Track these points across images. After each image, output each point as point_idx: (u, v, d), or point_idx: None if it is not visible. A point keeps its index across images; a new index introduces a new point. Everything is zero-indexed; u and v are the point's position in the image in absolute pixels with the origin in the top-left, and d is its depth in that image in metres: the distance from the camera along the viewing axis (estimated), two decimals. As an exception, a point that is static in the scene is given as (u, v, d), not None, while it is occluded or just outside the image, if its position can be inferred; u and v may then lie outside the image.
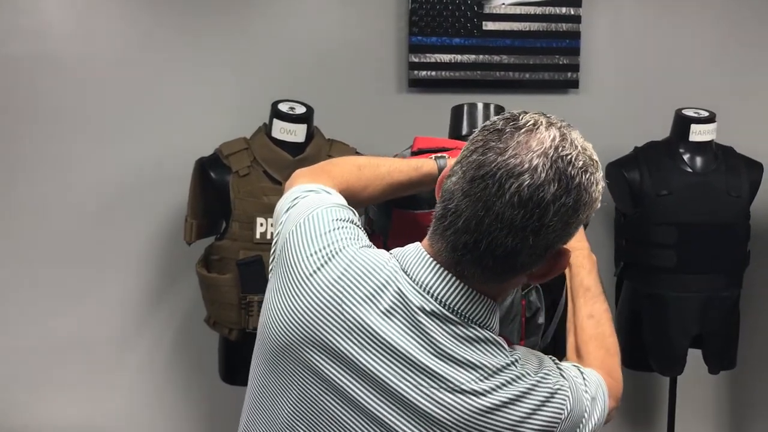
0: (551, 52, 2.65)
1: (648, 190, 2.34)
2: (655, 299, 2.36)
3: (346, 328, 0.99)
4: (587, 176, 0.94)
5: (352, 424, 0.99)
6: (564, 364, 1.10)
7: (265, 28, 2.56)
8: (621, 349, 2.53)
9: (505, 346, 1.01)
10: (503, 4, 2.60)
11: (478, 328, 0.99)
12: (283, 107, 2.20)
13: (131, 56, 2.50)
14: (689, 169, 2.34)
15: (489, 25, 2.61)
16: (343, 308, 0.99)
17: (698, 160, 2.36)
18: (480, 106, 1.68)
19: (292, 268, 1.04)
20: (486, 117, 1.67)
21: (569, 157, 0.94)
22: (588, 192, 0.95)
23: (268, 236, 2.14)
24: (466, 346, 0.98)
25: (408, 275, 1.00)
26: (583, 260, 1.37)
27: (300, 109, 2.21)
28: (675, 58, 2.75)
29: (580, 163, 0.94)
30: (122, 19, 2.50)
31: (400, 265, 1.02)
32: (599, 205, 0.99)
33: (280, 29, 2.57)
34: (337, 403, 1.00)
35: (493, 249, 0.94)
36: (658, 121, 2.51)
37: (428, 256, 1.00)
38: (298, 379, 1.02)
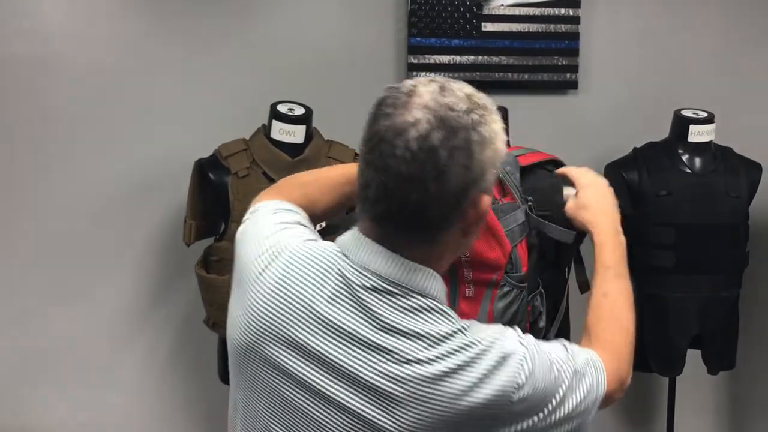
0: (550, 53, 2.65)
1: (647, 191, 2.34)
2: (654, 299, 2.36)
3: (297, 316, 1.01)
4: (472, 116, 0.98)
5: (316, 412, 1.01)
6: (528, 336, 1.06)
7: (264, 30, 2.56)
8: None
9: (452, 314, 1.02)
10: (502, 5, 2.60)
11: (420, 297, 1.00)
12: (282, 108, 2.19)
13: (130, 57, 2.50)
14: (688, 170, 2.35)
15: (488, 26, 2.62)
16: (291, 299, 1.02)
17: (697, 161, 2.36)
18: (481, 106, 1.68)
19: (242, 274, 1.09)
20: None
21: (450, 103, 0.98)
22: (477, 131, 0.97)
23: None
24: (410, 316, 0.99)
25: (347, 258, 1.03)
26: (608, 238, 1.35)
27: (299, 111, 2.21)
28: (674, 59, 2.75)
29: (464, 107, 0.98)
30: (122, 21, 2.50)
31: (340, 250, 1.05)
32: (502, 145, 1.02)
33: (279, 30, 2.57)
34: (300, 394, 1.02)
35: (403, 209, 0.97)
36: (656, 121, 2.51)
37: (361, 235, 1.03)
38: (264, 378, 1.04)
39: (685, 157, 2.36)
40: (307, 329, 1.01)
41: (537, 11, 2.62)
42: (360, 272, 1.01)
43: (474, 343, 0.99)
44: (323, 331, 1.00)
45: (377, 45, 2.61)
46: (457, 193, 0.97)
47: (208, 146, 2.25)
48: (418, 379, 0.96)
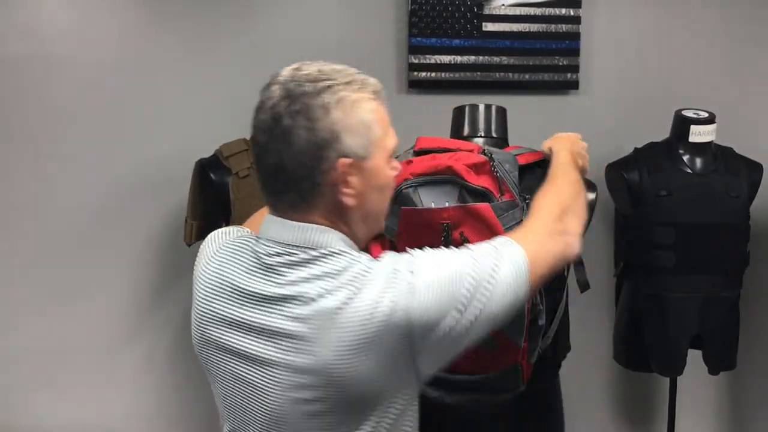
0: (551, 53, 2.65)
1: (647, 191, 2.34)
2: (654, 299, 2.36)
3: (225, 297, 1.17)
4: (316, 85, 1.11)
5: (254, 376, 1.14)
6: (426, 251, 1.16)
7: (265, 29, 2.56)
8: (621, 350, 2.55)
9: (351, 252, 1.14)
10: (503, 5, 2.61)
11: (314, 250, 1.12)
12: (283, 108, 2.19)
13: (131, 57, 2.50)
14: (689, 170, 2.34)
15: (489, 26, 2.62)
16: (220, 284, 1.18)
17: (698, 161, 2.36)
18: (481, 107, 1.68)
19: (194, 284, 1.25)
20: (487, 118, 1.68)
21: (297, 76, 1.13)
22: (319, 97, 1.10)
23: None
24: (308, 266, 1.11)
25: (258, 236, 1.19)
26: (563, 152, 1.55)
27: (300, 111, 2.21)
28: (674, 59, 2.75)
29: (310, 78, 1.12)
30: (122, 21, 2.51)
31: (254, 233, 1.23)
32: (358, 112, 1.12)
33: (280, 30, 2.57)
34: (240, 364, 1.16)
35: (269, 175, 1.13)
36: (657, 121, 2.51)
37: (266, 212, 1.20)
38: (219, 363, 1.19)
39: (685, 157, 2.36)
40: (234, 304, 1.16)
41: (538, 11, 2.62)
42: (265, 244, 1.15)
43: (370, 269, 1.10)
44: (244, 302, 1.15)
45: (378, 45, 2.61)
46: (308, 154, 1.10)
47: (209, 146, 2.26)
48: (324, 312, 1.07)
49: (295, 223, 1.14)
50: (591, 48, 2.69)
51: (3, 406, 2.54)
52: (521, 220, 1.40)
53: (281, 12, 2.57)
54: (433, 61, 2.60)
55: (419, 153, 1.48)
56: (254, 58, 2.54)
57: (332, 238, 1.14)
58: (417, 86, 2.62)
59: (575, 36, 2.65)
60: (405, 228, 1.40)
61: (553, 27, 2.64)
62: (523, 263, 1.15)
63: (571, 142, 1.60)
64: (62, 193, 2.51)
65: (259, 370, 1.13)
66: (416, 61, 2.59)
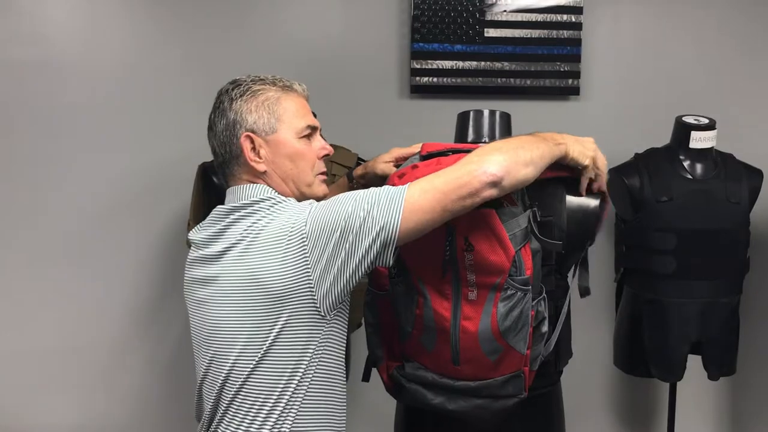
0: (552, 59, 2.66)
1: (648, 197, 2.35)
2: (654, 305, 2.37)
3: (195, 262, 1.49)
4: (229, 86, 1.50)
5: (203, 294, 1.46)
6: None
7: (268, 34, 2.58)
8: (621, 355, 2.56)
9: (276, 195, 1.44)
10: (505, 11, 2.62)
11: (250, 199, 1.43)
12: (286, 112, 2.20)
13: (134, 61, 2.51)
14: (689, 176, 2.35)
15: (491, 32, 2.63)
16: (195, 255, 1.50)
17: (698, 167, 2.37)
18: (486, 113, 1.69)
19: None
20: (492, 124, 1.68)
21: (227, 84, 1.51)
22: (229, 94, 1.48)
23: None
24: (244, 210, 1.43)
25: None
26: (562, 138, 1.53)
27: (303, 115, 2.22)
28: (675, 65, 2.76)
29: (230, 84, 1.50)
30: (125, 25, 2.52)
31: None
32: (258, 100, 1.46)
33: (283, 35, 2.58)
34: (197, 288, 1.47)
35: (215, 158, 1.51)
36: (658, 127, 2.52)
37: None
38: (188, 295, 1.51)
39: (686, 163, 2.37)
40: (198, 266, 1.48)
41: (539, 17, 2.64)
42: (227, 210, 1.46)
43: (288, 202, 1.43)
44: (207, 263, 1.46)
45: (381, 50, 2.62)
46: (225, 133, 1.46)
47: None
48: (254, 230, 1.39)
49: (236, 186, 1.48)
50: (592, 54, 2.71)
51: (5, 407, 2.54)
52: (526, 227, 1.41)
53: (285, 17, 2.58)
54: (435, 67, 2.61)
55: (426, 157, 1.49)
56: (258, 62, 2.55)
57: (260, 189, 1.45)
58: (419, 91, 2.63)
59: (576, 42, 2.66)
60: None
61: (554, 33, 2.65)
62: (399, 196, 1.33)
63: (580, 141, 1.57)
64: (66, 195, 2.52)
65: (207, 287, 1.45)
66: (418, 66, 2.61)
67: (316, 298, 1.36)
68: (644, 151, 2.47)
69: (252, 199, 1.44)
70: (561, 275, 1.64)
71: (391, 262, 1.36)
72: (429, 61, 2.61)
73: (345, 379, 1.51)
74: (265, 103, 1.46)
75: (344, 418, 1.51)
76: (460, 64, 2.62)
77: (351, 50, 2.62)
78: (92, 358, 2.57)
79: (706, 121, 2.38)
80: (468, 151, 1.40)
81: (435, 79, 2.62)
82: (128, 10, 2.51)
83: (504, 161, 1.32)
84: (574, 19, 2.65)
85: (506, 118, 1.70)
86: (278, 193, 1.47)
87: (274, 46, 2.57)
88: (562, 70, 2.67)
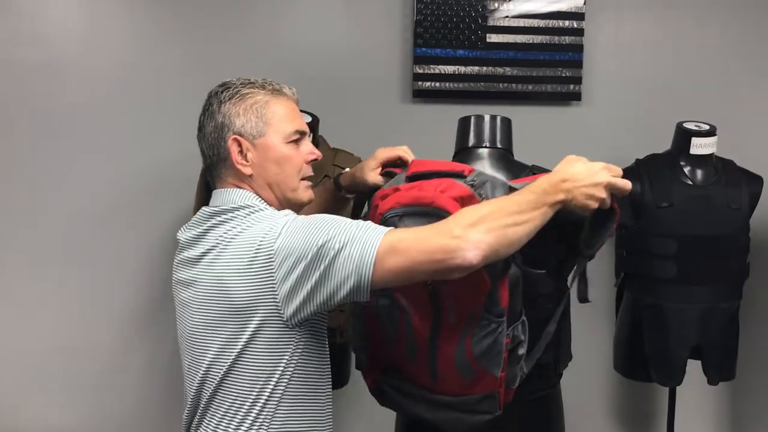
0: (554, 65, 2.68)
1: (649, 202, 2.36)
2: (655, 309, 2.38)
3: (179, 264, 1.51)
4: (219, 89, 1.49)
5: (185, 296, 1.47)
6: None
7: (271, 38, 2.59)
8: (621, 360, 2.56)
9: (255, 203, 1.43)
10: (507, 17, 2.63)
11: (233, 203, 1.43)
12: (289, 116, 2.22)
13: (134, 61, 2.53)
14: (690, 182, 2.36)
15: (493, 38, 2.65)
16: (178, 256, 1.52)
17: (699, 173, 2.38)
18: (487, 118, 1.69)
19: None
20: (492, 129, 1.69)
21: (217, 87, 1.50)
22: (218, 96, 1.48)
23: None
24: (222, 215, 1.43)
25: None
26: (545, 178, 1.35)
27: (306, 119, 2.22)
28: (676, 72, 2.78)
29: (220, 87, 1.50)
30: (127, 26, 2.54)
31: None
32: (246, 104, 1.46)
33: (286, 39, 2.60)
34: (181, 290, 1.49)
35: (204, 160, 1.51)
36: (659, 133, 2.54)
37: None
38: (175, 295, 1.53)
39: (686, 169, 2.38)
40: (181, 268, 1.50)
41: (541, 23, 2.65)
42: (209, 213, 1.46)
43: (263, 212, 1.41)
44: (185, 266, 1.48)
45: (383, 54, 2.64)
46: (213, 136, 1.46)
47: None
48: (225, 239, 1.39)
49: (221, 190, 1.48)
50: (594, 60, 2.72)
51: (6, 407, 2.55)
52: (506, 260, 1.35)
53: (287, 20, 2.60)
54: (437, 71, 2.63)
55: (411, 179, 1.46)
56: (260, 66, 2.56)
57: (242, 195, 1.45)
58: (421, 96, 2.64)
59: (578, 48, 2.68)
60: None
61: (556, 39, 2.66)
62: (373, 247, 1.27)
63: (580, 173, 1.35)
64: (66, 195, 2.53)
65: (185, 291, 1.47)
66: (421, 71, 2.62)
67: (283, 313, 1.34)
68: (645, 156, 2.48)
69: (231, 205, 1.44)
70: (562, 278, 1.64)
71: (367, 299, 1.32)
72: (431, 66, 2.62)
73: (329, 384, 1.51)
74: (253, 107, 1.46)
75: (328, 422, 1.50)
76: (462, 69, 2.64)
77: (353, 54, 2.63)
78: (92, 358, 2.58)
79: (707, 127, 2.39)
80: (455, 174, 1.37)
81: (437, 84, 2.63)
82: (128, 11, 2.53)
83: (486, 246, 1.23)
84: (575, 25, 2.66)
85: (507, 123, 1.71)
86: (261, 199, 1.46)
87: (275, 49, 2.59)
88: (563, 75, 2.69)
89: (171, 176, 2.54)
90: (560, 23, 2.66)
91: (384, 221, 1.38)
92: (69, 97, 2.52)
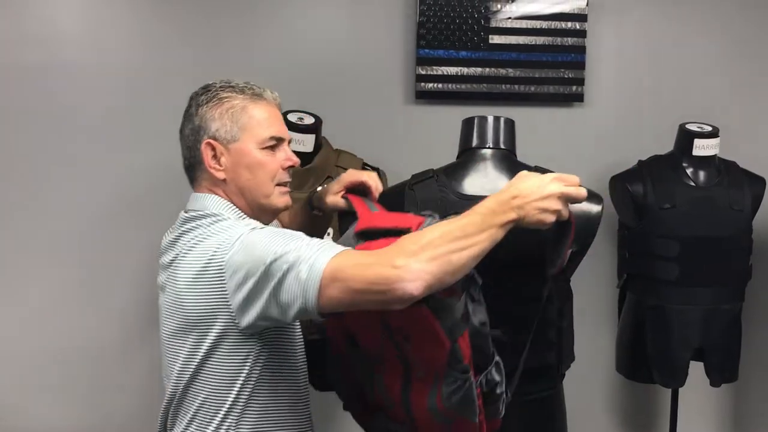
0: (557, 66, 2.68)
1: (651, 204, 2.36)
2: (657, 311, 2.38)
3: (160, 267, 1.50)
4: (199, 91, 1.51)
5: (161, 301, 1.48)
6: (263, 228, 1.38)
7: (274, 40, 2.59)
8: (624, 361, 2.56)
9: (222, 213, 1.43)
10: (510, 18, 2.64)
11: (202, 211, 1.44)
12: (292, 117, 2.22)
13: (141, 64, 2.53)
14: (692, 183, 2.37)
15: (495, 39, 2.65)
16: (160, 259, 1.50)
17: (701, 174, 2.38)
18: (490, 119, 1.70)
19: None
20: (496, 130, 1.69)
21: (199, 89, 1.52)
22: (195, 100, 1.50)
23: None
24: (195, 221, 1.43)
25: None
26: (492, 199, 1.28)
27: (308, 120, 2.24)
28: (679, 73, 2.78)
29: (200, 89, 1.51)
30: (132, 28, 2.54)
31: None
32: (223, 107, 1.46)
33: (289, 41, 2.60)
34: (160, 294, 1.49)
35: (183, 162, 1.53)
36: (661, 135, 2.54)
37: None
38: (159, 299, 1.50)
39: (689, 171, 2.38)
40: (160, 273, 1.49)
41: (544, 24, 2.65)
42: (183, 218, 1.47)
43: (224, 223, 1.39)
44: (162, 270, 1.48)
45: (386, 56, 2.64)
46: (190, 138, 1.48)
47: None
48: (184, 249, 1.40)
49: (195, 194, 1.50)
50: (596, 61, 2.72)
51: (9, 407, 2.56)
52: (464, 314, 1.29)
53: (291, 23, 2.60)
54: (440, 73, 2.63)
55: (360, 234, 1.37)
56: (263, 67, 2.57)
57: (211, 202, 1.45)
58: (424, 97, 2.65)
59: (581, 49, 2.68)
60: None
61: (559, 40, 2.67)
62: (318, 273, 1.22)
63: (530, 187, 1.27)
64: (72, 197, 2.54)
65: (162, 296, 1.47)
66: (423, 73, 2.62)
67: (239, 324, 1.33)
68: (648, 158, 2.48)
69: (200, 212, 1.44)
70: (564, 279, 1.65)
71: (320, 320, 1.32)
72: (434, 67, 2.63)
73: (303, 386, 1.50)
74: (229, 111, 1.45)
75: (304, 425, 1.50)
76: (465, 70, 2.64)
77: (357, 56, 2.63)
78: (96, 357, 2.58)
79: (710, 128, 2.40)
80: (403, 231, 1.27)
81: (440, 85, 2.64)
82: (136, 15, 2.53)
83: (429, 275, 1.16)
84: (578, 27, 2.67)
85: (510, 124, 1.72)
86: (233, 206, 1.46)
87: (279, 50, 2.59)
88: (566, 77, 2.69)
89: (176, 177, 2.53)
90: (563, 25, 2.67)
91: None
92: (74, 98, 2.52)
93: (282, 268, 1.25)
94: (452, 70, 2.63)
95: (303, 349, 1.51)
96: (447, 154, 1.81)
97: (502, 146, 1.68)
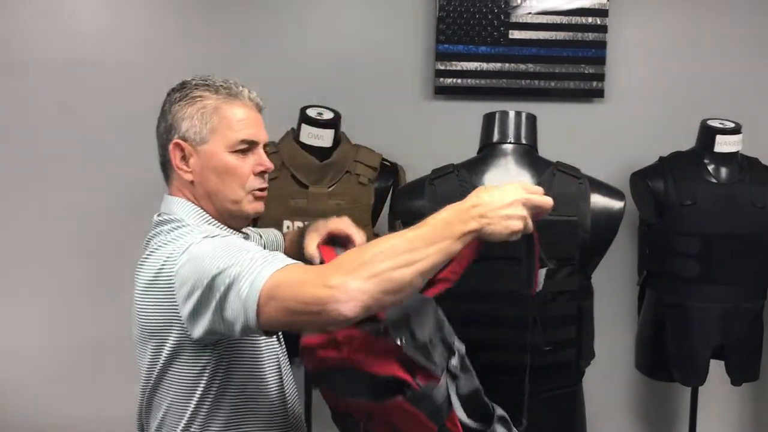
0: (577, 62, 2.66)
1: (672, 200, 2.34)
2: (677, 309, 2.36)
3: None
4: (174, 89, 1.43)
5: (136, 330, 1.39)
6: (215, 239, 1.30)
7: (293, 35, 2.60)
8: (643, 359, 2.54)
9: (184, 219, 1.36)
10: (530, 13, 2.62)
11: (168, 215, 1.39)
12: (312, 112, 2.22)
13: (162, 60, 2.54)
14: (714, 180, 2.34)
15: (515, 34, 2.63)
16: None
17: (723, 171, 2.36)
18: (512, 114, 1.69)
19: None
20: (517, 125, 1.68)
21: (177, 84, 1.44)
22: (169, 98, 1.43)
23: (294, 239, 2.18)
24: (161, 226, 1.38)
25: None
26: (429, 221, 1.16)
27: (328, 115, 2.24)
28: (701, 69, 2.75)
29: (176, 87, 1.43)
30: (153, 25, 2.55)
31: None
32: (194, 107, 1.38)
33: (308, 36, 2.60)
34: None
35: (157, 139, 1.45)
36: (683, 131, 2.51)
37: None
38: None
39: (711, 167, 2.36)
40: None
41: (564, 20, 2.64)
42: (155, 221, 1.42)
43: (182, 230, 1.33)
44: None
45: (405, 51, 2.64)
46: (163, 137, 1.41)
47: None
48: (144, 257, 1.36)
49: (165, 196, 1.44)
50: (617, 57, 2.70)
51: (36, 403, 2.58)
52: (447, 396, 1.20)
53: (310, 18, 2.60)
54: (459, 68, 2.62)
55: None
56: (284, 63, 2.58)
57: (178, 206, 1.39)
58: (443, 92, 2.64)
59: (601, 45, 2.66)
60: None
61: (579, 35, 2.65)
62: (256, 291, 1.14)
63: (492, 196, 1.18)
64: (90, 193, 2.56)
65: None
66: (443, 68, 2.61)
67: (191, 335, 1.27)
68: (669, 154, 2.46)
69: (166, 215, 1.39)
70: (585, 276, 1.64)
71: (268, 337, 1.29)
72: (453, 63, 2.62)
73: (277, 399, 1.42)
74: (200, 111, 1.38)
75: (281, 428, 1.43)
76: (485, 65, 2.63)
77: (375, 51, 2.63)
78: (116, 354, 2.60)
79: (732, 125, 2.37)
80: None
81: (459, 81, 2.63)
82: (157, 12, 2.55)
83: (366, 296, 1.07)
84: (599, 22, 2.65)
85: (532, 119, 1.71)
86: (200, 209, 1.40)
87: (299, 45, 2.59)
88: (586, 72, 2.67)
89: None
90: (583, 20, 2.64)
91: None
92: (98, 95, 2.53)
93: (225, 282, 1.18)
94: (471, 66, 2.62)
95: (275, 362, 1.43)
96: (465, 149, 1.81)
97: (523, 141, 1.67)
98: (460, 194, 1.54)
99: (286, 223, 2.16)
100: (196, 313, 1.23)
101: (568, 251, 1.52)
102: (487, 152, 1.68)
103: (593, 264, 1.65)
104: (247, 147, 1.39)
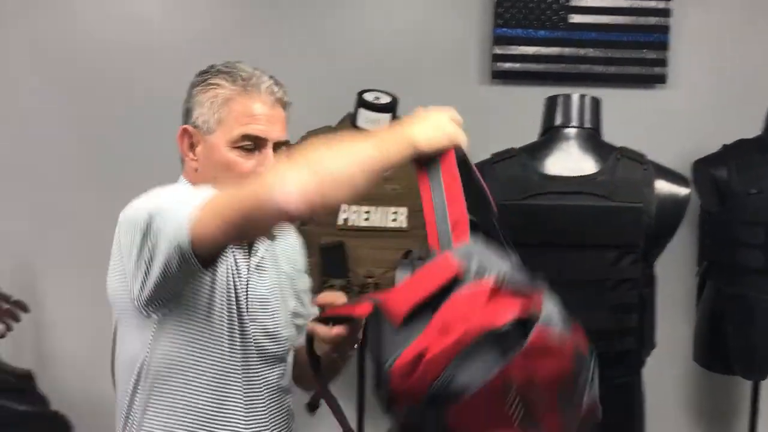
0: (638, 47, 2.60)
1: (736, 188, 2.28)
2: (739, 300, 2.30)
3: None
4: (199, 75, 1.37)
5: None
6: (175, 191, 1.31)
7: (350, 19, 2.60)
8: (702, 351, 2.49)
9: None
10: (590, -4, 2.58)
11: None
12: (369, 97, 2.23)
13: (221, 47, 2.56)
14: (781, 168, 2.28)
15: (575, 18, 2.59)
16: None
17: (791, 159, 2.29)
18: (575, 97, 1.67)
19: None
20: (581, 108, 1.66)
21: (207, 67, 1.38)
22: (193, 81, 1.37)
23: (350, 222, 2.19)
24: None
25: None
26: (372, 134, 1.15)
27: (385, 99, 2.24)
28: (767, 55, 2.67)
29: (202, 71, 1.37)
30: (212, 11, 2.58)
31: None
32: (214, 92, 1.32)
33: (366, 20, 2.61)
34: None
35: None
36: (748, 118, 2.44)
37: None
38: None
39: (778, 155, 2.29)
40: None
41: (626, 3, 2.58)
42: None
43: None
44: None
45: (463, 35, 2.62)
46: (183, 115, 1.36)
47: (295, 133, 2.29)
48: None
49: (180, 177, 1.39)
50: (680, 41, 2.63)
51: (75, 399, 2.65)
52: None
53: (367, 3, 2.60)
54: (517, 53, 2.59)
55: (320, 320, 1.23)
56: (341, 48, 2.58)
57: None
58: (500, 77, 2.61)
59: (664, 29, 2.60)
60: None
61: (641, 20, 2.59)
62: (188, 210, 1.13)
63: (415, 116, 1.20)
64: (144, 179, 2.60)
65: None
66: (500, 52, 2.59)
67: (133, 295, 1.22)
68: (733, 141, 2.40)
69: None
70: (647, 264, 1.61)
71: (202, 270, 1.17)
72: (512, 47, 2.58)
73: (228, 383, 1.32)
74: (211, 100, 1.31)
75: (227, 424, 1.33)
76: (543, 50, 2.59)
77: (432, 36, 2.62)
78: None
79: (801, 111, 2.30)
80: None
81: (517, 65, 2.60)
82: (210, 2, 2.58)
83: (301, 181, 1.04)
84: (662, 5, 2.58)
85: (595, 102, 1.68)
86: None
87: (356, 30, 2.60)
88: (648, 57, 2.61)
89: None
90: (645, 3, 2.58)
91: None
92: (154, 80, 2.58)
93: (153, 217, 1.17)
94: (530, 50, 2.59)
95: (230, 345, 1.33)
96: (523, 135, 1.79)
97: (586, 125, 1.65)
98: (522, 179, 1.54)
99: (343, 206, 2.17)
100: (138, 262, 1.18)
101: (634, 238, 1.49)
102: (550, 136, 1.66)
103: (656, 251, 1.62)
104: (252, 144, 1.30)
